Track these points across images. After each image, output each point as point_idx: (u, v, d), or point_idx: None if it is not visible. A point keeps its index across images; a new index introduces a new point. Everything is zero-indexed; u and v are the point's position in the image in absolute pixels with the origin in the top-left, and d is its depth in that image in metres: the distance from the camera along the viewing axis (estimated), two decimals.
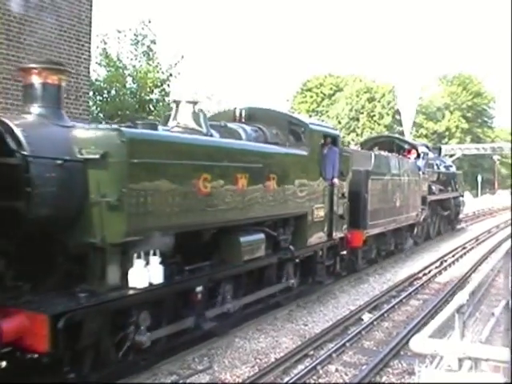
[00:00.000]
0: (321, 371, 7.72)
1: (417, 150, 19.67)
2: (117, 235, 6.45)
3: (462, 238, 22.79)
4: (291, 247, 10.25)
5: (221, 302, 8.59)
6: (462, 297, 4.46)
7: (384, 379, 7.64)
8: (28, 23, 10.88)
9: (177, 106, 9.07)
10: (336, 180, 11.80)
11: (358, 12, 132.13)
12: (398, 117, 62.43)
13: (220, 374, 7.46)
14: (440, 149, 25.77)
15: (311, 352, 8.43)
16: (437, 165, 22.35)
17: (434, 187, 20.76)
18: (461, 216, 26.89)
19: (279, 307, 10.66)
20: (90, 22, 12.40)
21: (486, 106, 76.40)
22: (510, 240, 8.59)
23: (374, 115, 63.46)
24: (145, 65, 20.47)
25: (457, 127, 70.58)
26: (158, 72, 20.38)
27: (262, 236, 9.24)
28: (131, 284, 6.71)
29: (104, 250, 6.50)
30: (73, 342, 6.07)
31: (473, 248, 20.25)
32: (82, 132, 6.70)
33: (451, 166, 24.90)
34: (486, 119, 77.91)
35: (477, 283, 5.36)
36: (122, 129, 6.57)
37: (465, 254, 18.81)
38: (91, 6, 12.40)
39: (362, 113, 63.58)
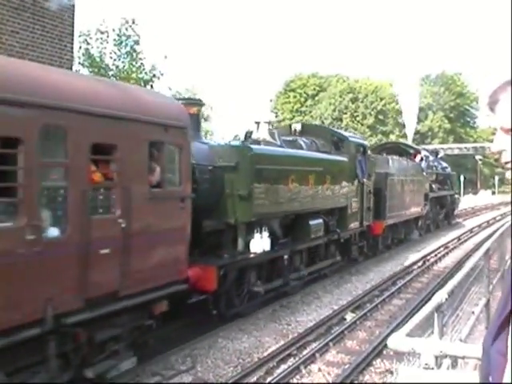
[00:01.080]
0: (304, 371, 7.82)
1: (420, 154, 23.00)
2: (246, 217, 9.66)
3: (447, 237, 23.45)
4: (338, 230, 13.46)
5: (295, 269, 11.81)
6: (440, 295, 4.41)
7: (366, 378, 7.72)
8: (10, 23, 10.67)
9: (257, 125, 12.26)
10: (365, 180, 15.06)
11: (342, 11, 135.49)
12: (380, 117, 64.85)
13: (203, 375, 7.59)
14: (437, 152, 28.89)
15: (294, 352, 8.51)
16: (435, 166, 25.49)
17: (433, 186, 24.00)
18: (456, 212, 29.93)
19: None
20: (73, 23, 12.32)
21: (468, 106, 77.18)
22: (490, 239, 9.15)
23: (358, 115, 64.96)
24: (128, 65, 20.68)
25: (439, 127, 71.84)
26: (141, 73, 20.67)
27: (321, 221, 12.47)
28: (252, 250, 9.90)
29: (236, 227, 9.68)
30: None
31: (458, 245, 20.98)
32: (220, 147, 9.89)
33: (447, 168, 28.03)
34: (468, 119, 79.26)
35: (456, 282, 5.23)
36: (250, 145, 9.78)
37: (449, 251, 19.59)
38: (74, 6, 12.29)
39: (346, 113, 64.95)
